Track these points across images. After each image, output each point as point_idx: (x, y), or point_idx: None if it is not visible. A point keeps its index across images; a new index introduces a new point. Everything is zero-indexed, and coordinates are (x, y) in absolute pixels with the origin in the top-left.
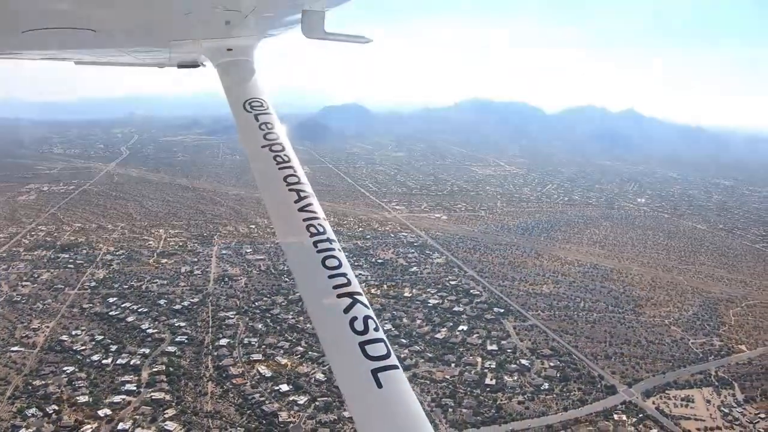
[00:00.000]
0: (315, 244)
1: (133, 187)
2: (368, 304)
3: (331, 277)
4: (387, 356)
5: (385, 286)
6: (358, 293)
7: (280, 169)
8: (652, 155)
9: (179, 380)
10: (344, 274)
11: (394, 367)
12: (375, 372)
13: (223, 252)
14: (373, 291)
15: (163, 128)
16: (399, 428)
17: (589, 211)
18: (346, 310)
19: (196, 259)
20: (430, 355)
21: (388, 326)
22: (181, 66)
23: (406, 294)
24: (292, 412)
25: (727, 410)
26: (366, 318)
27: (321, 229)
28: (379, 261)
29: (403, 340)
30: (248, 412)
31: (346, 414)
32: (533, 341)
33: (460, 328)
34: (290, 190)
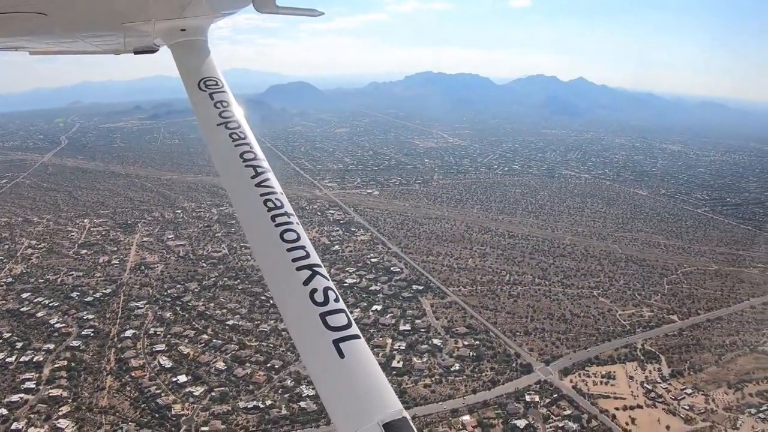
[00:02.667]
0: (273, 218)
1: (66, 177)
2: (328, 276)
3: (289, 250)
4: (348, 326)
5: None
6: (317, 265)
7: (236, 145)
8: (600, 122)
9: (79, 375)
10: (303, 247)
11: (356, 336)
12: (336, 342)
13: (145, 239)
14: None
15: (106, 115)
16: (362, 397)
17: (527, 181)
18: (306, 283)
19: (116, 249)
20: None
21: None
22: (137, 52)
23: None
24: (186, 405)
25: (650, 386)
26: (326, 289)
27: (278, 204)
28: None
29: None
30: (143, 405)
31: (241, 404)
32: (450, 319)
33: (374, 308)
34: (247, 166)
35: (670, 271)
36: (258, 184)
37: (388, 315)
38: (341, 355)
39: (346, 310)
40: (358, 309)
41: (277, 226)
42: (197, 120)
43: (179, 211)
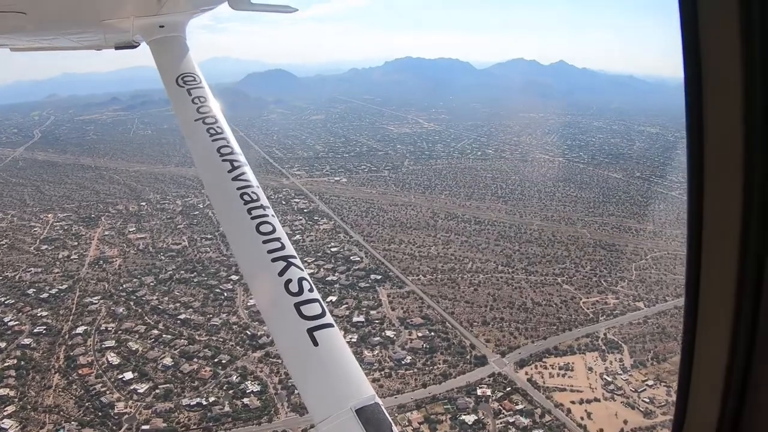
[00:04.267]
0: (249, 211)
1: (35, 171)
2: (302, 267)
3: (265, 242)
4: (322, 315)
5: None
6: (292, 256)
7: (213, 140)
8: (579, 105)
9: (27, 374)
10: (278, 239)
11: (329, 325)
12: (311, 331)
13: (106, 233)
14: None
15: (82, 107)
16: (335, 384)
17: (499, 165)
18: (281, 273)
19: (76, 243)
20: None
21: (252, 301)
22: (118, 47)
23: None
24: (130, 402)
25: (610, 378)
26: (300, 279)
27: (255, 197)
28: None
29: (261, 317)
30: (87, 404)
31: (184, 401)
32: (405, 309)
33: (329, 299)
34: (224, 160)
35: (639, 256)
36: (235, 178)
37: (342, 307)
38: (315, 343)
39: (320, 299)
40: None
41: (253, 218)
42: (176, 116)
43: (144, 204)
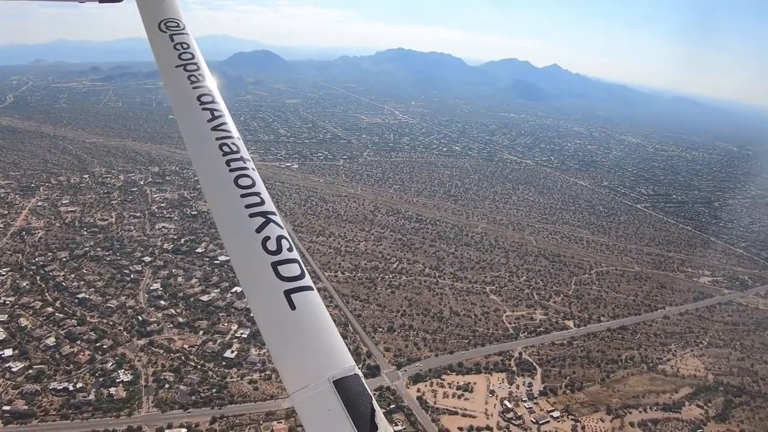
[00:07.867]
0: (228, 162)
1: None
2: (282, 225)
3: (243, 196)
4: (301, 277)
5: (182, 240)
6: (272, 213)
7: (194, 88)
8: (565, 110)
9: None
10: (257, 194)
11: (308, 288)
12: (288, 293)
13: (39, 204)
14: (165, 246)
15: (62, 75)
16: (313, 351)
17: (462, 163)
18: (259, 230)
19: (6, 212)
20: (182, 320)
21: (157, 285)
22: (102, 0)
23: (198, 250)
24: (0, 381)
25: (511, 404)
26: (279, 238)
27: (234, 148)
28: (192, 213)
29: (162, 302)
30: None
31: (52, 385)
32: None
33: (235, 289)
34: (204, 108)
35: (583, 270)
36: (214, 128)
37: (244, 301)
38: (292, 306)
39: (299, 260)
40: (218, 290)
41: (231, 171)
42: (156, 61)
43: (86, 176)
